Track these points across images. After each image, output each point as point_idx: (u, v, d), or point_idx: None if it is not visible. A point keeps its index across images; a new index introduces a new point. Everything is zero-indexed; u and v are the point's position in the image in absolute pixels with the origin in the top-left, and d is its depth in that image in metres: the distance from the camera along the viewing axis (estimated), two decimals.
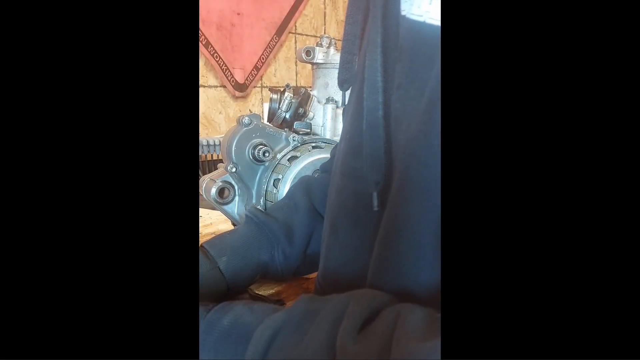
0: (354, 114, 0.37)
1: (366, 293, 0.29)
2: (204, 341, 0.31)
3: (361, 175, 0.35)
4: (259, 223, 0.51)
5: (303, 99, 0.84)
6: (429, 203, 0.29)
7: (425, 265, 0.29)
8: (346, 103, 0.42)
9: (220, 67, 1.73)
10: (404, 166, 0.30)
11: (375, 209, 0.33)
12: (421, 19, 0.29)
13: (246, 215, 0.53)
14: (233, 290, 0.48)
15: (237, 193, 0.71)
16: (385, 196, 0.33)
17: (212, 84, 1.75)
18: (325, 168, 0.59)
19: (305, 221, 0.52)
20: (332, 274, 0.40)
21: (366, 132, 0.33)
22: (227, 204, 0.71)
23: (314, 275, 0.58)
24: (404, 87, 0.31)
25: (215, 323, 0.32)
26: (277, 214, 0.52)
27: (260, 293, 0.57)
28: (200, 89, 1.70)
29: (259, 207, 0.69)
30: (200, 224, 0.94)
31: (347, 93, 0.42)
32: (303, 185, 0.56)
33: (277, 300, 0.53)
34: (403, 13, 0.30)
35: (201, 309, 0.33)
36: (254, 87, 1.90)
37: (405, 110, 0.31)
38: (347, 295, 0.29)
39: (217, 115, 1.77)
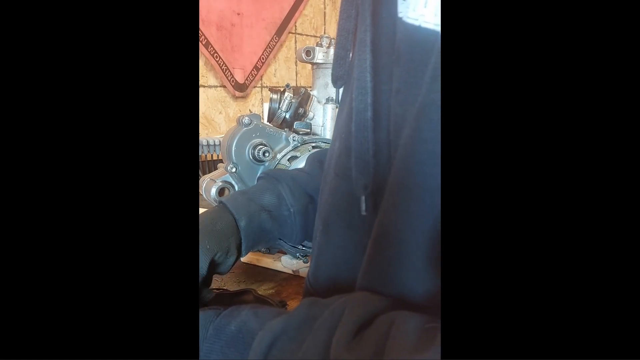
0: (348, 113, 0.36)
1: (363, 298, 0.29)
2: (213, 345, 0.31)
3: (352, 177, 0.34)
4: (263, 176, 0.53)
5: (303, 99, 0.84)
6: (415, 210, 0.28)
7: (412, 272, 0.29)
8: (340, 100, 0.42)
9: (220, 67, 1.72)
10: (396, 172, 0.30)
11: (364, 213, 0.33)
12: (417, 23, 0.28)
13: (258, 178, 0.56)
14: (242, 224, 0.48)
15: None
16: (377, 199, 0.33)
17: (212, 84, 1.74)
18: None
19: (314, 172, 0.54)
20: (323, 274, 0.40)
21: (354, 134, 0.33)
22: None
23: None
24: (403, 92, 0.30)
25: (223, 328, 0.32)
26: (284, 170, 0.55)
27: (261, 294, 0.57)
28: (200, 89, 1.70)
29: None
30: None
31: (341, 90, 0.42)
32: (313, 155, 0.60)
33: (280, 302, 0.53)
34: (400, 15, 0.30)
35: (212, 313, 0.34)
36: (254, 87, 1.90)
37: (405, 116, 0.30)
38: (344, 301, 0.29)
39: (217, 115, 1.77)
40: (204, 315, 0.34)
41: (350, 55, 0.37)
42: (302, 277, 0.71)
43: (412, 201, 0.28)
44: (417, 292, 0.29)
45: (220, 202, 0.50)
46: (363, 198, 0.33)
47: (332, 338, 0.26)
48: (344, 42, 0.37)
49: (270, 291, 0.67)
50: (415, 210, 0.28)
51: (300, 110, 0.84)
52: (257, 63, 1.89)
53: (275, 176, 0.53)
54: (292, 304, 0.63)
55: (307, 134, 0.81)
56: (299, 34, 2.10)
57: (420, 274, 0.28)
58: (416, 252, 0.28)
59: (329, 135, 0.87)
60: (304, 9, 2.07)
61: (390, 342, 0.24)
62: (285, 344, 0.28)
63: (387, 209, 0.30)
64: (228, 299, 0.51)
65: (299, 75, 2.14)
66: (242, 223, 0.48)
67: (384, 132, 0.32)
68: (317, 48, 0.85)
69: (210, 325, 0.32)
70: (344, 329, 0.26)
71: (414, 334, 0.24)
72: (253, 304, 0.51)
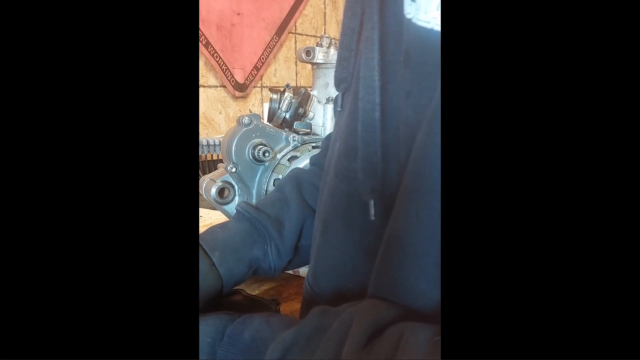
0: (350, 113, 0.36)
1: (370, 307, 0.29)
2: (227, 352, 0.32)
3: (355, 178, 0.34)
4: (250, 218, 0.50)
5: (303, 99, 0.84)
6: (426, 215, 0.28)
7: (422, 277, 0.29)
8: (342, 103, 0.40)
9: (220, 67, 1.72)
10: (408, 176, 0.30)
11: (372, 217, 0.32)
12: (429, 26, 0.28)
13: (237, 210, 0.52)
14: (227, 288, 0.46)
15: (237, 193, 0.71)
16: (383, 203, 0.32)
17: (212, 84, 1.74)
18: (315, 161, 0.57)
19: (297, 215, 0.51)
20: (321, 275, 0.40)
21: (361, 135, 0.32)
22: (227, 204, 0.71)
23: None
24: (415, 95, 0.30)
25: (237, 336, 0.32)
26: (269, 209, 0.51)
27: (255, 293, 0.57)
28: (200, 89, 1.70)
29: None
30: (200, 224, 0.94)
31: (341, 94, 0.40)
32: (292, 178, 0.55)
33: (272, 300, 0.53)
34: (409, 17, 0.29)
35: (226, 318, 0.34)
36: (254, 87, 1.90)
37: (419, 119, 0.30)
38: (352, 311, 0.29)
39: (217, 115, 1.77)
40: (219, 320, 0.34)
41: (355, 55, 0.36)
42: (302, 277, 0.71)
43: (422, 206, 0.28)
44: (428, 298, 0.28)
45: (214, 264, 0.46)
46: (372, 202, 0.32)
47: (342, 349, 0.26)
48: (349, 42, 0.36)
49: (271, 291, 0.67)
50: (426, 215, 0.28)
51: (300, 110, 0.84)
52: (257, 63, 1.89)
53: (264, 227, 0.49)
54: (292, 304, 0.63)
55: (307, 134, 0.81)
56: (299, 34, 2.10)
57: (430, 280, 0.28)
58: (426, 257, 0.28)
59: None
60: (304, 9, 2.08)
61: (399, 354, 0.24)
62: (296, 355, 0.28)
63: (398, 213, 0.30)
64: (217, 300, 0.51)
65: (299, 75, 2.14)
66: (227, 289, 0.47)
67: (391, 133, 0.32)
68: (317, 48, 0.85)
69: (225, 331, 0.33)
70: (353, 340, 0.26)
71: (424, 346, 0.24)
72: (243, 304, 0.51)
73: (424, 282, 0.28)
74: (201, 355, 0.32)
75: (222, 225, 0.50)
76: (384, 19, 0.32)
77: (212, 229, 0.49)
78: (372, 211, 0.32)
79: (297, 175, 0.56)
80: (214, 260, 0.45)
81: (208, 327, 0.33)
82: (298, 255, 0.52)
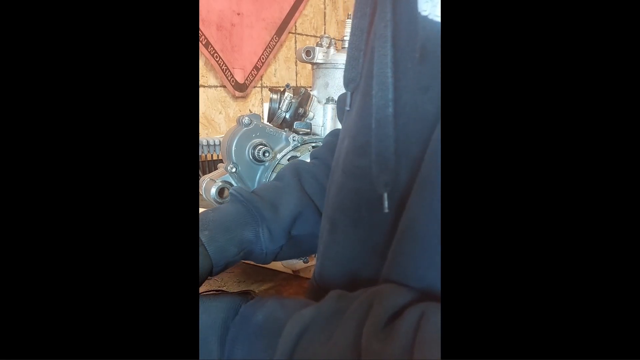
0: (359, 111, 0.36)
1: (390, 289, 0.29)
2: (239, 332, 0.33)
3: (365, 175, 0.34)
4: (243, 201, 0.49)
5: (303, 99, 0.84)
6: (438, 207, 0.28)
7: (432, 267, 0.29)
8: (350, 102, 0.40)
9: (220, 67, 1.72)
10: (425, 169, 0.30)
11: (386, 210, 0.33)
12: None
13: (230, 194, 0.51)
14: (217, 268, 0.45)
15: None
16: (393, 198, 0.33)
17: (212, 84, 1.74)
18: (316, 155, 0.57)
19: (294, 201, 0.50)
20: (328, 273, 0.40)
21: (374, 131, 0.33)
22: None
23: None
24: (434, 90, 0.30)
25: (249, 317, 0.33)
26: (263, 193, 0.50)
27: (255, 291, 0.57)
28: (200, 89, 1.70)
29: None
30: None
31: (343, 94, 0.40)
32: (293, 167, 0.55)
33: None
34: (424, 13, 0.29)
35: (237, 299, 0.35)
36: (254, 87, 1.90)
37: (438, 113, 0.30)
38: (371, 292, 0.29)
39: (217, 115, 1.77)
40: (233, 299, 0.35)
41: (363, 55, 0.36)
42: (302, 277, 0.71)
43: (436, 197, 0.28)
44: (438, 290, 0.29)
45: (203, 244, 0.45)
46: (385, 195, 0.33)
47: (362, 329, 0.26)
48: (358, 42, 0.36)
49: (271, 291, 0.67)
50: (438, 207, 0.28)
51: (300, 110, 0.84)
52: (257, 63, 1.89)
53: (257, 209, 0.49)
54: None
55: (307, 134, 0.81)
56: (299, 34, 2.10)
57: (440, 272, 0.28)
58: (437, 249, 0.28)
59: None
60: (304, 9, 2.07)
61: (420, 333, 0.24)
62: (314, 334, 0.29)
63: (412, 206, 0.30)
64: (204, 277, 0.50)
65: (299, 75, 2.14)
66: (217, 270, 0.46)
67: (400, 129, 0.32)
68: (317, 48, 0.85)
69: (239, 309, 0.34)
70: (374, 319, 0.26)
71: None
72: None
73: (434, 273, 0.29)
74: (213, 331, 0.33)
75: (214, 208, 0.50)
76: (395, 17, 0.32)
77: (205, 212, 0.48)
78: (386, 204, 0.33)
79: (297, 165, 0.55)
80: (202, 238, 0.44)
81: (222, 303, 0.34)
82: (291, 244, 0.51)
